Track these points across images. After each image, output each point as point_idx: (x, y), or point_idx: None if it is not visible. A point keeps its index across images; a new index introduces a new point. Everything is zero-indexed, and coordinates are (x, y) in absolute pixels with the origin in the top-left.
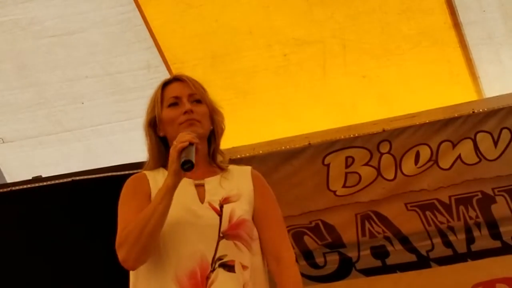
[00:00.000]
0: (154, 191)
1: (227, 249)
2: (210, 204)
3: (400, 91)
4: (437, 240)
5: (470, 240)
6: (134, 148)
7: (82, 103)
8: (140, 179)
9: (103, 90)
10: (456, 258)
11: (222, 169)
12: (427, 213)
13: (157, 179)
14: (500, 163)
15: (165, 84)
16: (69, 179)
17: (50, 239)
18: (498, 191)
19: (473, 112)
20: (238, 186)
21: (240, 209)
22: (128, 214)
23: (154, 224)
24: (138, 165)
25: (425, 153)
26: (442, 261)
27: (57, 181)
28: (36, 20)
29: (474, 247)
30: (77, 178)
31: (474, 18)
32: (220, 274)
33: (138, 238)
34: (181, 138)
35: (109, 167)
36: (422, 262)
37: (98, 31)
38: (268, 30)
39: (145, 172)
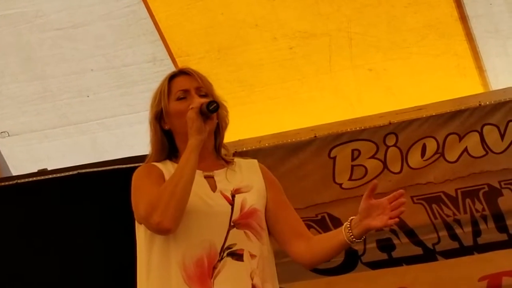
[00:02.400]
0: (166, 174)
1: (237, 238)
2: (222, 193)
3: (407, 84)
4: (443, 233)
5: (476, 233)
6: (140, 141)
7: (88, 96)
8: (150, 165)
9: (108, 83)
10: (462, 251)
11: (228, 162)
12: (433, 206)
13: (167, 167)
14: (507, 156)
15: (172, 77)
16: (75, 172)
17: (55, 232)
18: (505, 184)
19: (480, 104)
20: (248, 178)
21: (251, 199)
22: (148, 189)
23: (185, 182)
24: (143, 158)
25: (431, 146)
26: (448, 254)
27: (62, 174)
28: (42, 13)
29: (481, 240)
30: (83, 171)
31: (481, 11)
32: (228, 264)
33: (172, 195)
34: (193, 104)
35: (115, 160)
36: (428, 255)
37: (104, 24)
38: (274, 23)
39: (152, 162)
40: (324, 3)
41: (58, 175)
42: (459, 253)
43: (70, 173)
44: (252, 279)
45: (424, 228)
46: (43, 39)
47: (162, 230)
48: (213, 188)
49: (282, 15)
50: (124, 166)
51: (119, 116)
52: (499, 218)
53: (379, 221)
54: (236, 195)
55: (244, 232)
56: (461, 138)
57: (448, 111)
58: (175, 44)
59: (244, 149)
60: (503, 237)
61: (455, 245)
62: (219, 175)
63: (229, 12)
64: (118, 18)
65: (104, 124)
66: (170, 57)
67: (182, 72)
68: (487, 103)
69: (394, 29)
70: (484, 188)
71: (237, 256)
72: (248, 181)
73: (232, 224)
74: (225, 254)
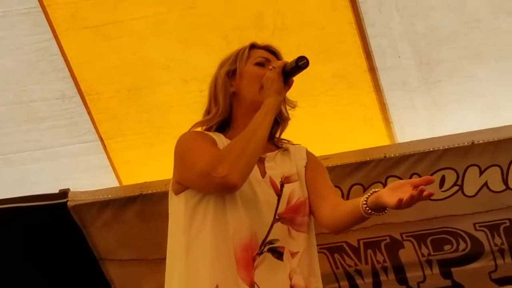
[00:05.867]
0: (220, 144)
1: (280, 234)
2: (271, 180)
3: (315, 132)
4: (344, 283)
5: (376, 284)
6: (44, 178)
7: None
8: (202, 132)
9: (15, 119)
10: None
11: (279, 147)
12: (336, 255)
13: (220, 138)
14: (409, 208)
15: (254, 46)
16: None
17: None
18: (406, 236)
19: (385, 156)
20: (296, 165)
21: (299, 190)
22: (209, 147)
23: (258, 140)
24: (47, 197)
25: None
26: None
27: None
28: None
29: None
30: None
31: (389, 63)
32: (267, 260)
33: (243, 149)
34: (275, 64)
35: (18, 198)
36: None
37: (13, 59)
38: (185, 65)
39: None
40: (236, 48)
41: None
42: None
43: None
44: (290, 280)
45: (325, 278)
46: None
47: (227, 185)
48: (263, 173)
49: (194, 58)
50: (27, 204)
51: (25, 152)
52: (399, 270)
53: (391, 198)
54: (286, 185)
55: (288, 228)
56: (365, 189)
57: (354, 161)
58: (85, 82)
59: (150, 191)
60: None
61: None
62: (270, 159)
63: (141, 52)
64: (28, 53)
65: (9, 160)
66: (80, 94)
67: (266, 48)
68: (392, 155)
69: (303, 77)
70: (386, 239)
71: (278, 253)
72: (296, 168)
73: (277, 217)
74: (265, 249)
